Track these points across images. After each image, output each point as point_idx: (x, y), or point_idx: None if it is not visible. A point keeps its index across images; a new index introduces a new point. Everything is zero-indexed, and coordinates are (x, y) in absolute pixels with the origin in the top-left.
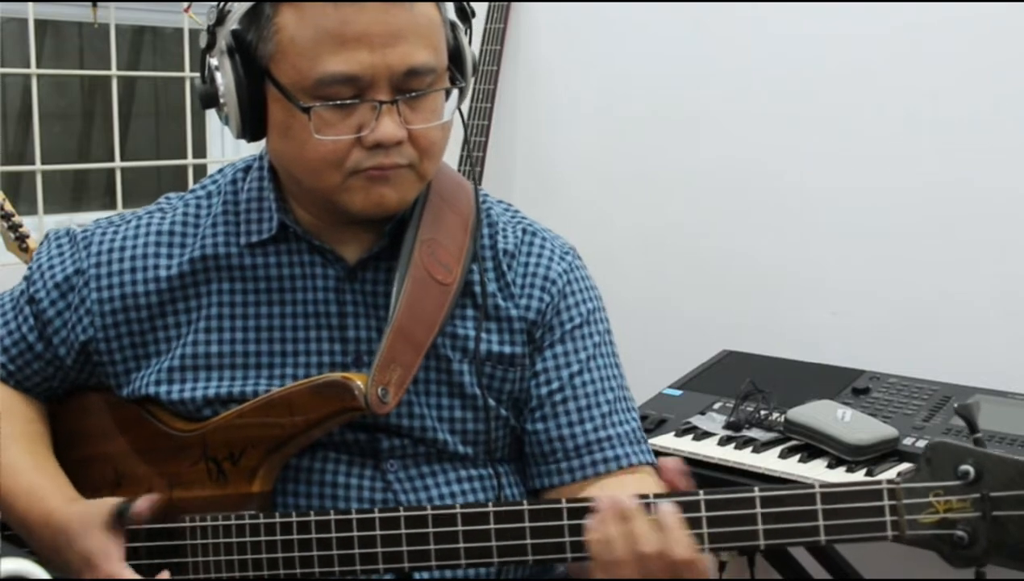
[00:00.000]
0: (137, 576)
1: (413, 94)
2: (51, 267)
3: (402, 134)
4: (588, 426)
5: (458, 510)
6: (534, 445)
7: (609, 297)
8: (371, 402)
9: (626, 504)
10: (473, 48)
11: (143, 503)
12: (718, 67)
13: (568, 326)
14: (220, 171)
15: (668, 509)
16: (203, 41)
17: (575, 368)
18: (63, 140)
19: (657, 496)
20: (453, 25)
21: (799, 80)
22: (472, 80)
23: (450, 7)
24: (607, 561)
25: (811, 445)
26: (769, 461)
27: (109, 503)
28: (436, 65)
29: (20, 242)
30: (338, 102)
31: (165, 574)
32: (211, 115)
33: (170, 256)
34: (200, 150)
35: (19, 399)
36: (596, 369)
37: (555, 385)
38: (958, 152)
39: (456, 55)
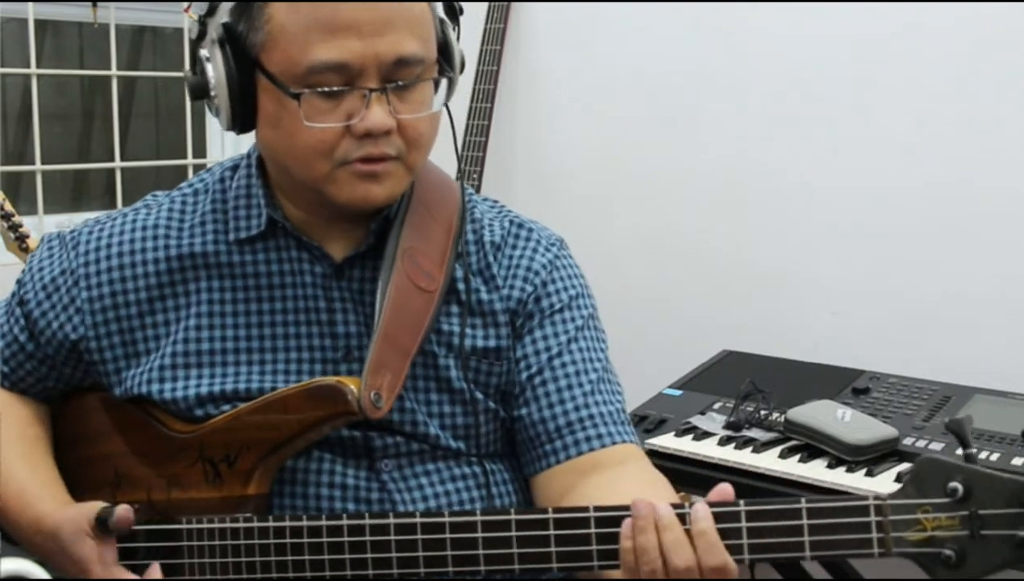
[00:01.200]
0: (133, 576)
1: (402, 83)
2: (40, 269)
3: (391, 123)
4: (569, 405)
5: (447, 519)
6: (521, 432)
7: (609, 297)
8: (365, 407)
9: (664, 513)
10: (473, 48)
11: (123, 513)
12: (718, 67)
13: (548, 311)
14: (208, 170)
15: (703, 516)
16: (193, 32)
17: (554, 351)
18: (63, 140)
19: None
20: (442, 22)
21: (799, 80)
22: (459, 75)
23: (439, 5)
24: (640, 571)
25: (811, 445)
26: (769, 461)
27: (93, 509)
28: (425, 56)
29: (20, 242)
30: (328, 89)
31: (155, 572)
32: (211, 115)
33: (155, 249)
34: (200, 150)
35: (16, 401)
36: (577, 351)
37: (535, 368)
38: (958, 152)
39: (445, 50)
